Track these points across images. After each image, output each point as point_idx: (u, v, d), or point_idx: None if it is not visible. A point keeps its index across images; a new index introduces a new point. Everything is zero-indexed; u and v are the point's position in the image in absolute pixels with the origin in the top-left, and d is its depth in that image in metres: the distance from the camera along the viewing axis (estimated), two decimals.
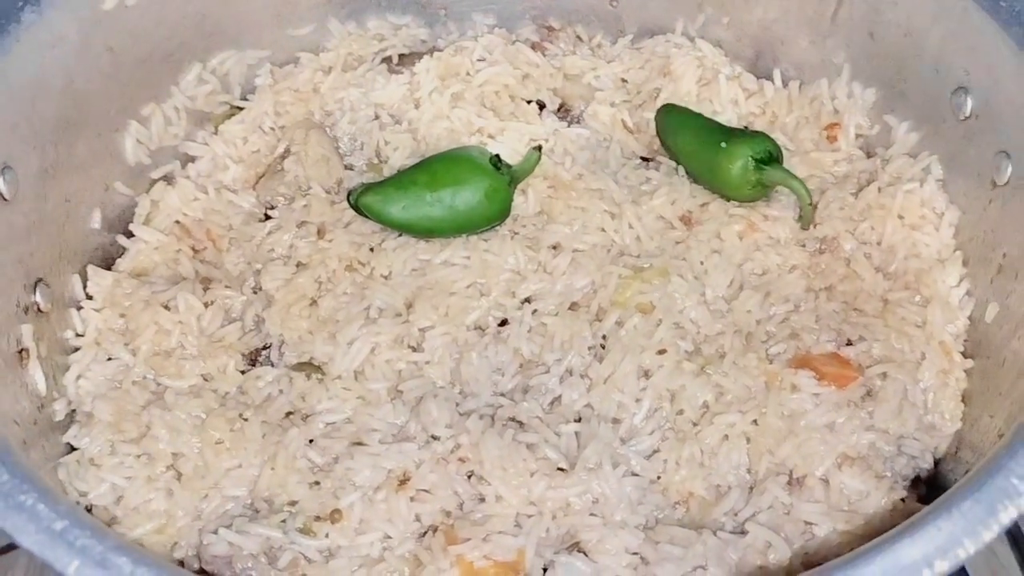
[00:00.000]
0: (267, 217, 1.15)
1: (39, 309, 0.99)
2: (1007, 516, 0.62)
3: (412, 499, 0.91)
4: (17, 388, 0.91)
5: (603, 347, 1.02)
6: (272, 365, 1.03)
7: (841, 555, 0.68)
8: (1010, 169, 0.96)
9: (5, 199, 0.94)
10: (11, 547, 1.12)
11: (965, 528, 0.61)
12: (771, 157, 1.09)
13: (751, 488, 0.93)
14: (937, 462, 0.99)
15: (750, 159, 1.08)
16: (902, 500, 0.92)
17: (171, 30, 1.13)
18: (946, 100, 1.04)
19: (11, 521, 0.64)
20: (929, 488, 0.98)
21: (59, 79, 1.01)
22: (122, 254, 1.12)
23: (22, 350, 0.94)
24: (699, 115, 1.19)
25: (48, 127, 1.00)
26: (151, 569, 0.61)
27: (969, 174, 1.03)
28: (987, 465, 0.65)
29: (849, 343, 1.01)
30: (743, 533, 0.88)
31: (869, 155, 1.17)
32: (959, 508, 0.63)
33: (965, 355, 1.00)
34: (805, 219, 1.09)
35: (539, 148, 1.14)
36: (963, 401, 0.99)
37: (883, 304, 1.04)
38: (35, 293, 0.98)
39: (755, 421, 0.96)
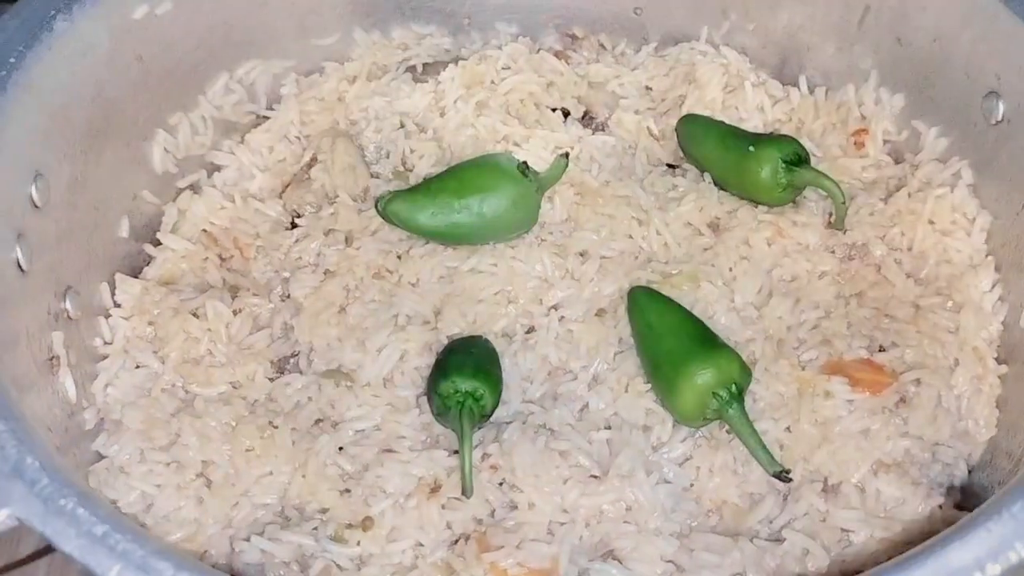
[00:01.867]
0: (294, 225, 1.15)
1: (69, 316, 0.99)
2: None
3: (443, 506, 0.91)
4: (49, 395, 0.91)
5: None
6: (301, 372, 1.03)
7: (879, 563, 0.68)
8: None
9: (37, 206, 0.94)
10: (34, 556, 1.13)
11: (1016, 530, 0.61)
12: (799, 159, 1.09)
13: (785, 496, 0.92)
14: (971, 469, 0.97)
15: (779, 161, 1.08)
16: (939, 507, 0.91)
17: (199, 40, 1.13)
18: (977, 105, 1.04)
19: (52, 526, 0.63)
20: (964, 495, 0.97)
21: (90, 87, 1.02)
22: (149, 262, 1.12)
23: (53, 357, 0.94)
24: (720, 122, 1.18)
25: (79, 135, 1.01)
26: (192, 573, 0.61)
27: (1001, 179, 1.03)
28: None
29: (881, 349, 1.00)
30: (779, 540, 0.87)
31: (898, 161, 1.16)
32: (1009, 510, 0.62)
33: (999, 361, 0.99)
34: (838, 219, 1.08)
35: (566, 155, 1.14)
36: (997, 407, 0.98)
37: (915, 310, 1.03)
38: (65, 300, 0.98)
39: (788, 428, 0.95)
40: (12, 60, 0.93)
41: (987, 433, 0.97)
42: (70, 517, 0.64)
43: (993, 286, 1.03)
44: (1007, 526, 0.61)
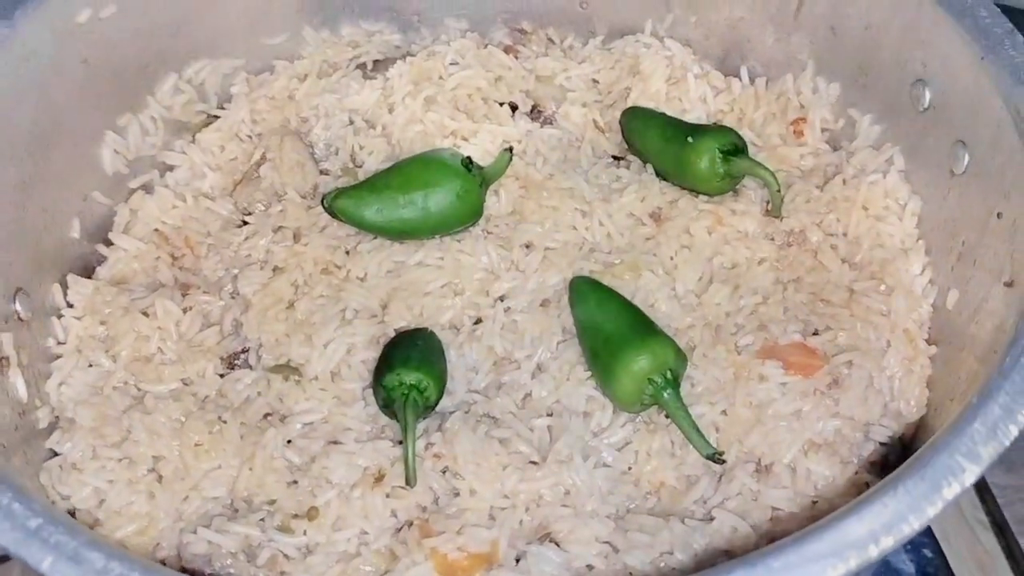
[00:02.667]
0: (244, 223, 1.17)
1: (19, 318, 1.00)
2: (951, 492, 0.64)
3: (387, 495, 0.93)
4: None
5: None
6: (250, 368, 1.05)
7: None
8: (967, 158, 0.98)
9: None
10: (6, 557, 1.15)
11: (910, 504, 0.63)
12: (736, 148, 1.11)
13: (720, 477, 0.95)
14: (906, 447, 1.00)
15: (717, 151, 1.10)
16: (867, 484, 0.93)
17: (146, 41, 1.15)
18: (906, 92, 1.07)
19: None
20: None
21: (34, 92, 1.03)
22: (102, 263, 1.14)
23: (2, 358, 0.96)
24: (662, 114, 1.21)
25: (24, 139, 1.02)
26: (123, 563, 0.63)
27: (929, 164, 1.06)
28: (933, 444, 0.67)
29: (816, 333, 1.03)
30: (711, 520, 0.90)
31: (835, 148, 1.19)
32: (905, 486, 0.65)
33: (929, 342, 1.02)
34: (775, 207, 1.11)
35: (510, 149, 1.16)
36: (928, 387, 1.01)
37: (849, 294, 1.06)
38: (15, 302, 1.00)
39: (724, 411, 0.98)
40: None
41: (918, 412, 1.00)
42: (5, 511, 0.66)
43: (923, 269, 1.06)
44: (902, 501, 0.64)
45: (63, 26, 1.05)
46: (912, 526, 0.62)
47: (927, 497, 0.64)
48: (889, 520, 0.62)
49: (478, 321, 1.08)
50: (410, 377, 0.96)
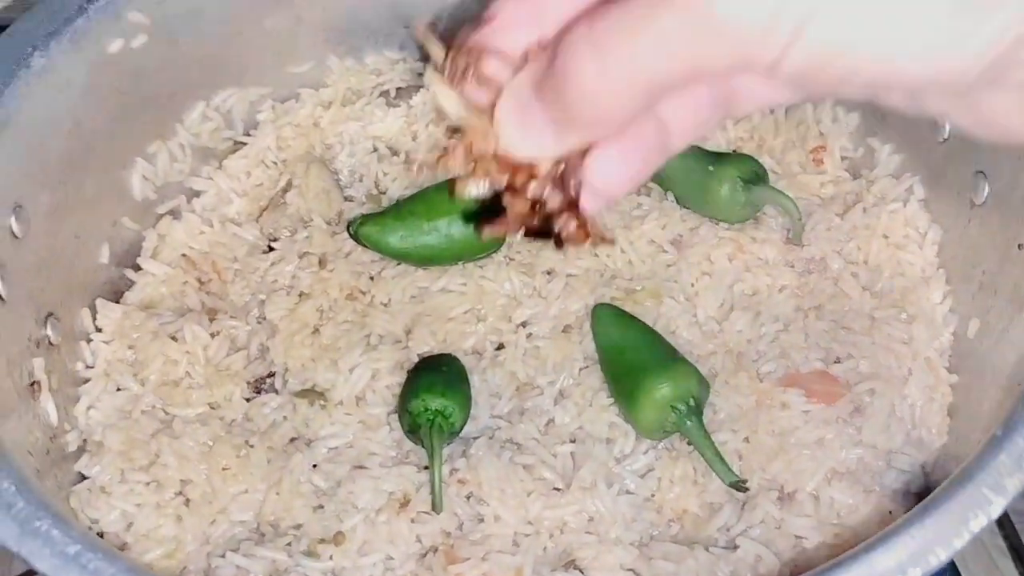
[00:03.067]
0: (270, 249, 1.19)
1: (50, 342, 1.02)
2: (977, 524, 0.65)
3: (413, 520, 0.94)
4: (30, 420, 0.94)
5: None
6: (276, 392, 1.06)
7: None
8: (987, 189, 0.99)
9: (17, 237, 0.97)
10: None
11: (937, 536, 0.64)
12: (757, 177, 1.13)
13: (743, 505, 0.96)
14: (928, 475, 1.01)
15: (738, 179, 1.12)
16: (889, 513, 0.94)
17: (176, 70, 1.17)
18: (925, 123, 1.08)
19: (27, 546, 0.67)
20: (920, 500, 1.00)
21: (68, 120, 1.05)
22: (130, 287, 1.16)
23: (34, 383, 0.97)
24: None
25: (58, 167, 1.04)
26: None
27: (950, 194, 1.06)
28: (959, 476, 0.68)
29: (837, 361, 1.04)
30: (735, 548, 0.91)
31: (855, 177, 1.20)
32: (932, 517, 0.65)
33: (950, 370, 1.03)
34: (795, 235, 1.12)
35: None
36: (949, 415, 1.01)
37: (870, 322, 1.07)
38: (46, 327, 1.02)
39: (747, 439, 0.99)
40: None
41: (939, 440, 1.00)
42: (44, 538, 0.67)
43: (944, 298, 1.06)
44: (929, 532, 0.64)
45: (96, 56, 1.07)
46: (939, 557, 0.63)
47: (954, 529, 0.64)
48: (916, 551, 0.63)
49: (500, 347, 1.09)
50: (435, 403, 0.97)
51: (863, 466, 0.97)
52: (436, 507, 0.92)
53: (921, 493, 1.00)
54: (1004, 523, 1.15)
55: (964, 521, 0.65)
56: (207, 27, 1.17)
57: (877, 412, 0.99)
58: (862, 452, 0.97)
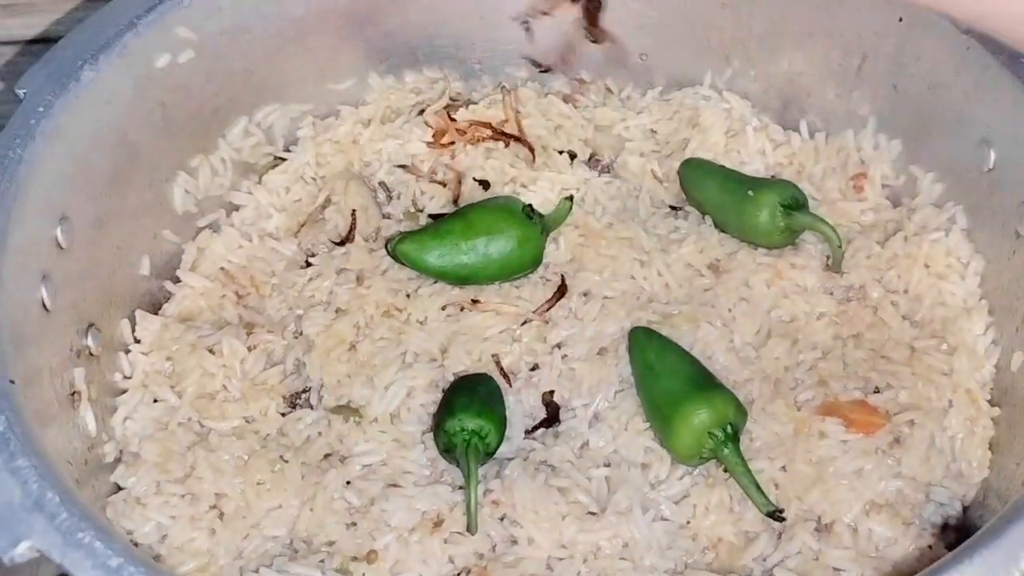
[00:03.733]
0: (308, 264, 1.19)
1: (90, 353, 1.03)
2: None
3: (446, 541, 0.94)
4: (70, 429, 0.95)
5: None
6: (311, 408, 1.07)
7: None
8: None
9: (62, 247, 0.98)
10: None
11: (986, 573, 0.63)
12: (797, 203, 1.12)
13: (780, 534, 0.95)
14: (965, 509, 0.99)
15: (778, 205, 1.11)
16: (929, 547, 0.93)
17: (220, 86, 1.18)
18: (970, 152, 1.07)
19: (70, 558, 0.67)
20: (958, 535, 0.98)
21: (114, 133, 1.07)
22: (169, 299, 1.17)
23: (74, 392, 0.98)
24: (722, 167, 1.22)
25: (103, 179, 1.06)
26: None
27: (994, 224, 1.05)
28: (1008, 512, 0.67)
29: (876, 391, 1.03)
30: None
31: (895, 205, 1.19)
32: (980, 554, 0.64)
33: (991, 403, 1.01)
34: (835, 262, 1.11)
35: (571, 198, 1.18)
36: (990, 449, 1.00)
37: (910, 352, 1.06)
38: (87, 337, 1.03)
39: (784, 467, 0.98)
40: (41, 109, 0.98)
41: (980, 474, 0.99)
42: (87, 550, 0.68)
43: (986, 329, 1.05)
44: (978, 570, 0.63)
45: (143, 71, 1.09)
46: None
47: (1003, 566, 0.63)
48: None
49: (534, 367, 1.09)
50: (472, 423, 0.96)
51: (902, 498, 0.96)
52: (471, 528, 0.92)
53: (959, 527, 0.99)
54: None
55: (1014, 559, 0.64)
56: (251, 44, 1.19)
57: (917, 444, 0.98)
58: (901, 484, 0.96)
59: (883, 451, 0.98)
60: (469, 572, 0.92)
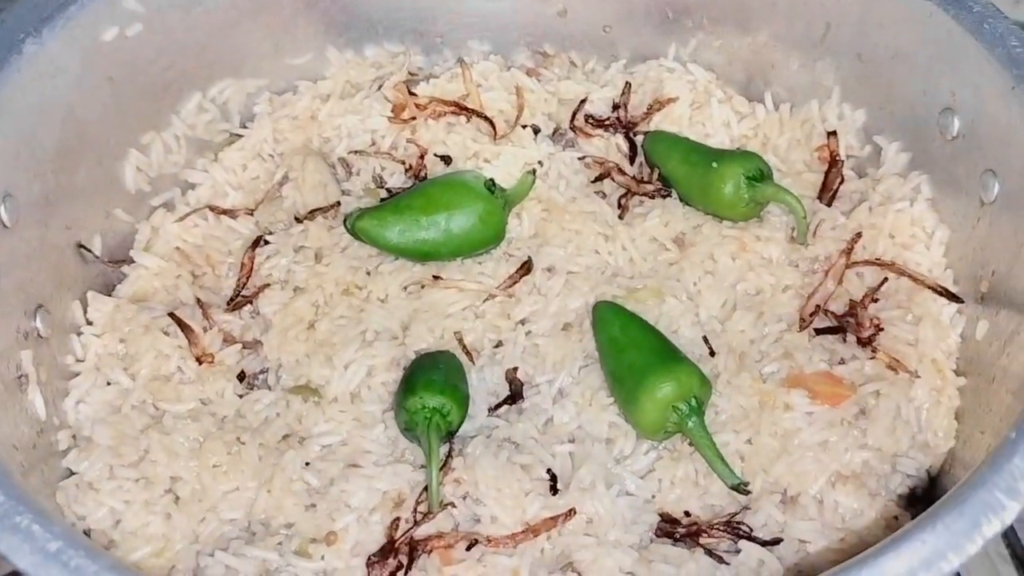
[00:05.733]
0: (265, 242, 1.16)
1: (39, 335, 1.00)
2: (991, 530, 0.63)
3: (407, 521, 0.92)
4: (17, 413, 0.92)
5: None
6: (269, 388, 1.04)
7: None
8: (997, 187, 0.97)
9: (6, 226, 0.95)
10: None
11: (949, 541, 0.62)
12: (762, 174, 1.11)
13: (745, 507, 0.94)
14: (932, 480, 0.99)
15: (742, 177, 1.10)
16: (896, 518, 0.92)
17: (171, 60, 1.15)
18: (934, 121, 1.06)
19: (7, 542, 0.65)
20: (926, 506, 0.97)
21: (60, 108, 1.03)
22: (122, 280, 1.13)
23: (22, 376, 0.95)
24: (686, 139, 1.20)
25: (49, 155, 1.02)
26: None
27: (958, 193, 1.04)
28: (971, 479, 0.66)
29: (842, 362, 1.02)
30: (737, 552, 0.88)
31: (860, 175, 1.18)
32: (943, 522, 0.63)
33: (957, 373, 1.01)
34: (800, 233, 1.10)
35: (533, 172, 1.16)
36: (956, 419, 0.99)
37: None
38: (35, 319, 1.00)
39: (749, 440, 0.97)
40: None
41: (946, 444, 0.98)
42: (25, 534, 0.65)
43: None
44: (940, 537, 0.62)
45: (90, 44, 1.05)
46: (951, 563, 0.61)
47: (966, 534, 0.62)
48: (928, 557, 0.61)
49: (498, 344, 1.07)
50: (433, 401, 0.95)
51: (868, 469, 0.95)
52: (432, 507, 0.90)
53: (926, 498, 0.98)
54: (1007, 531, 1.14)
55: (977, 526, 0.63)
56: (204, 16, 1.15)
57: (883, 415, 0.97)
58: (867, 455, 0.95)
59: (849, 422, 0.97)
60: (431, 552, 0.90)
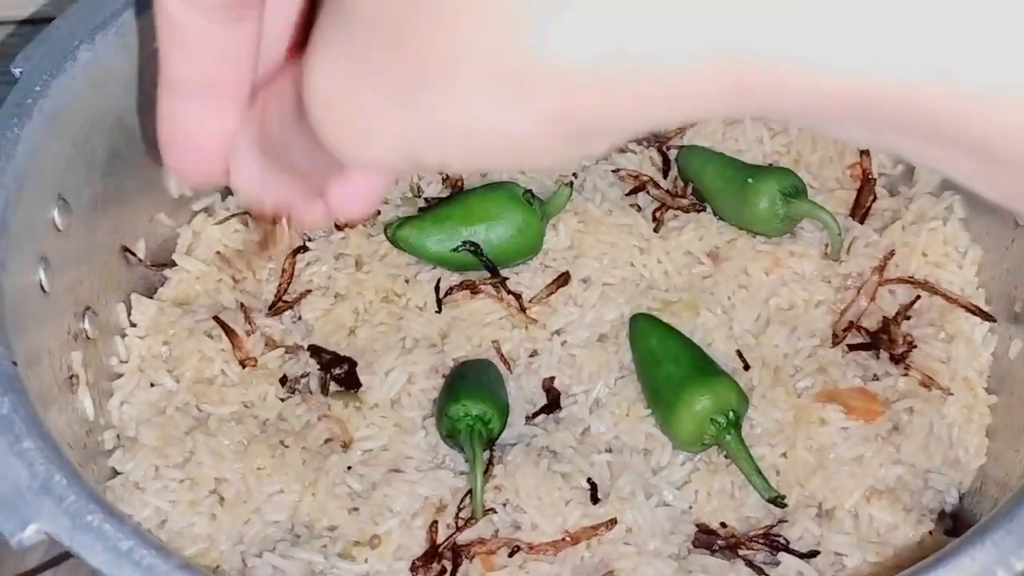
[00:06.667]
0: (305, 249, 1.18)
1: (87, 336, 1.02)
2: None
3: (448, 526, 0.94)
4: (69, 413, 0.94)
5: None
6: (311, 393, 1.06)
7: None
8: None
9: (59, 230, 0.97)
10: (39, 569, 1.15)
11: (998, 557, 0.64)
12: (797, 191, 1.12)
13: (781, 520, 0.95)
14: (962, 496, 1.00)
15: (778, 193, 1.11)
16: (929, 533, 0.94)
17: None
18: None
19: (79, 541, 0.66)
20: (955, 521, 1.00)
21: (111, 115, 1.05)
22: (164, 283, 1.15)
23: (72, 376, 0.97)
24: (721, 154, 1.22)
25: (100, 161, 1.04)
26: None
27: (991, 214, 1.06)
28: (1019, 495, 0.68)
29: (875, 378, 1.04)
30: (776, 563, 0.90)
31: (892, 194, 1.19)
32: (992, 538, 0.65)
33: (988, 391, 1.02)
34: (834, 249, 1.12)
35: (570, 184, 1.18)
36: (987, 436, 1.01)
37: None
38: (84, 320, 1.01)
39: (784, 454, 0.98)
40: (38, 88, 0.96)
41: (977, 461, 1.00)
42: (96, 532, 0.67)
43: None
44: (989, 553, 0.64)
45: (140, 51, 1.07)
46: None
47: (1015, 551, 0.64)
48: (978, 573, 0.63)
49: (534, 354, 1.09)
50: (476, 408, 0.96)
51: (902, 485, 0.96)
52: (476, 513, 0.91)
53: (955, 515, 1.00)
54: None
55: None
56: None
57: (916, 431, 0.99)
58: (901, 471, 0.97)
59: (883, 438, 0.99)
60: (473, 558, 0.92)
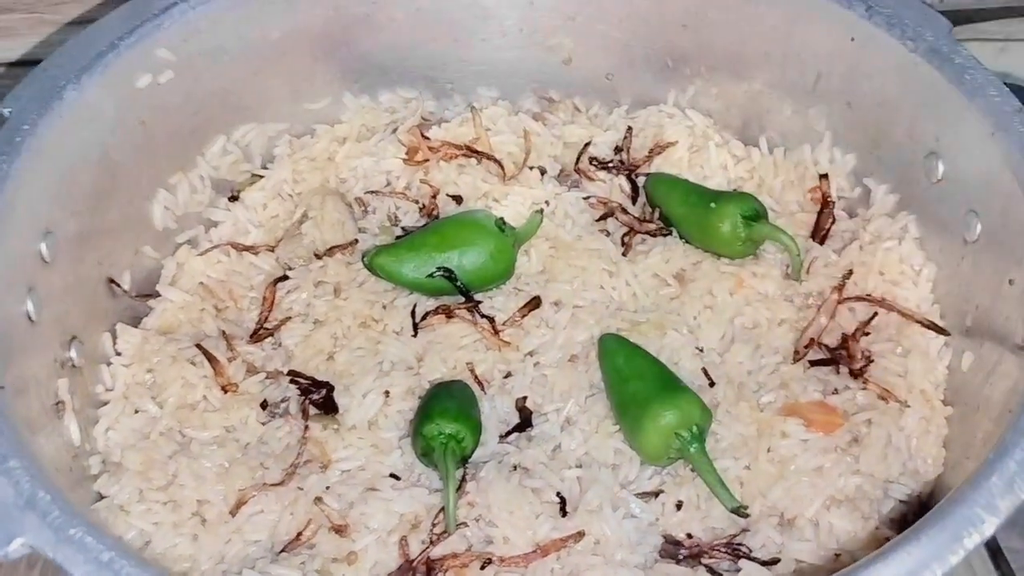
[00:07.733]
0: (286, 278, 1.22)
1: (73, 364, 1.05)
2: (971, 542, 0.68)
3: (423, 542, 0.97)
4: (56, 439, 0.97)
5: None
6: (291, 416, 1.09)
7: None
8: (979, 227, 1.03)
9: (46, 261, 1.01)
10: None
11: (933, 553, 0.67)
12: (757, 214, 1.17)
13: (745, 529, 0.98)
14: (923, 506, 1.04)
15: (739, 217, 1.16)
16: (887, 539, 0.96)
17: (198, 105, 1.21)
18: (920, 164, 1.12)
19: (62, 553, 0.70)
20: None
21: (96, 151, 1.10)
22: (149, 313, 1.19)
23: (59, 402, 1.00)
24: (685, 181, 1.27)
25: (85, 195, 1.08)
26: None
27: (943, 232, 1.11)
28: (953, 496, 0.71)
29: (835, 392, 1.08)
30: (738, 571, 0.93)
31: (851, 216, 1.24)
32: (927, 535, 0.68)
33: (945, 403, 1.06)
34: (795, 270, 1.16)
35: (541, 211, 1.22)
36: (944, 446, 1.04)
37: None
38: (70, 349, 1.05)
39: (748, 466, 1.02)
40: (25, 127, 1.01)
41: (935, 471, 1.04)
42: (78, 545, 0.70)
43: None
44: (925, 550, 0.67)
45: (125, 90, 1.12)
46: (935, 574, 0.66)
47: (948, 547, 0.68)
48: (913, 568, 0.66)
49: (508, 375, 1.12)
50: (449, 427, 1.00)
51: (861, 494, 1.00)
52: (449, 528, 0.95)
53: (915, 522, 1.03)
54: (999, 562, 1.18)
55: (958, 539, 0.68)
56: (230, 65, 1.22)
57: (874, 442, 1.02)
58: (860, 480, 1.00)
59: (842, 449, 1.02)
60: (447, 572, 0.95)
